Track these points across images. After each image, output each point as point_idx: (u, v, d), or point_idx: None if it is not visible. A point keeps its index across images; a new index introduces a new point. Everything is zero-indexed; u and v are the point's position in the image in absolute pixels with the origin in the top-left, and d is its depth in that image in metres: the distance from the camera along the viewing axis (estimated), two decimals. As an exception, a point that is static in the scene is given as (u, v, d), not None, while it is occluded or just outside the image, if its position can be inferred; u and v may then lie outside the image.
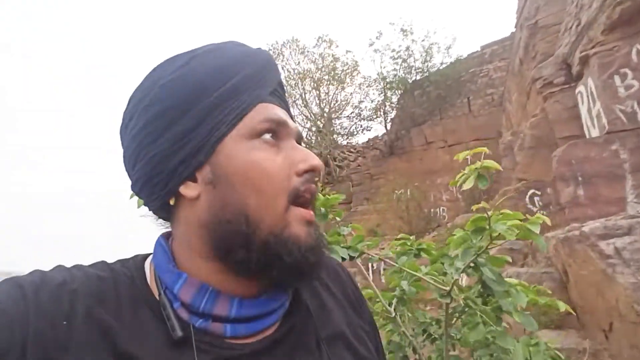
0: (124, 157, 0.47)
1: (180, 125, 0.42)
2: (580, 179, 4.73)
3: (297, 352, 0.46)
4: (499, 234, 0.88)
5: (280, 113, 0.47)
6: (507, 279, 1.18)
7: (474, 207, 0.87)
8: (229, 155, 0.43)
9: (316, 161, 0.45)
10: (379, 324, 1.46)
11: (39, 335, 0.35)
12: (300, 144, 0.49)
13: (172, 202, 0.45)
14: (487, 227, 0.91)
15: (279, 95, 0.49)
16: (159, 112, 0.43)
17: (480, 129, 11.13)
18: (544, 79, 5.85)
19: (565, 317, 3.31)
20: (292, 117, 0.50)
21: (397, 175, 11.84)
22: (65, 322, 0.37)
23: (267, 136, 0.44)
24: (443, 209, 10.73)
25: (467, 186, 0.88)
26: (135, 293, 0.43)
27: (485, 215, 0.90)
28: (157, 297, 0.43)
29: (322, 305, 0.53)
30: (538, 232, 0.86)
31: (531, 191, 5.73)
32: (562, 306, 1.08)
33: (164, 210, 0.47)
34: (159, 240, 0.48)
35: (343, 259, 0.99)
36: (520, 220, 0.95)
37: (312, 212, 0.46)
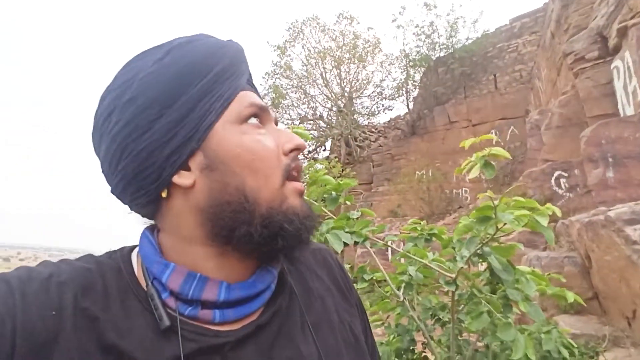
0: (103, 160, 0.46)
1: (169, 116, 0.43)
2: (610, 160, 4.51)
3: (282, 337, 0.46)
4: (505, 224, 0.85)
5: (259, 99, 0.49)
6: (518, 267, 1.15)
7: (479, 195, 0.85)
8: (221, 140, 0.44)
9: (300, 140, 0.49)
10: (389, 307, 1.48)
11: (28, 328, 0.36)
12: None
13: (164, 194, 0.45)
14: (493, 216, 0.88)
15: (252, 84, 0.52)
16: (143, 105, 0.43)
17: (506, 107, 10.71)
18: (576, 53, 5.52)
19: (587, 301, 3.23)
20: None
21: (418, 155, 11.64)
22: (54, 313, 0.38)
23: (254, 120, 0.47)
24: (465, 190, 10.52)
25: (472, 175, 0.85)
26: (123, 284, 0.44)
27: (492, 204, 0.87)
28: (145, 288, 0.44)
29: (308, 290, 0.54)
30: (546, 224, 0.83)
31: (557, 172, 5.51)
32: (571, 297, 1.05)
33: (150, 205, 0.47)
34: (144, 233, 0.48)
35: (346, 244, 0.99)
36: (533, 208, 0.93)
37: (302, 184, 0.49)
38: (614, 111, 4.99)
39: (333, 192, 1.14)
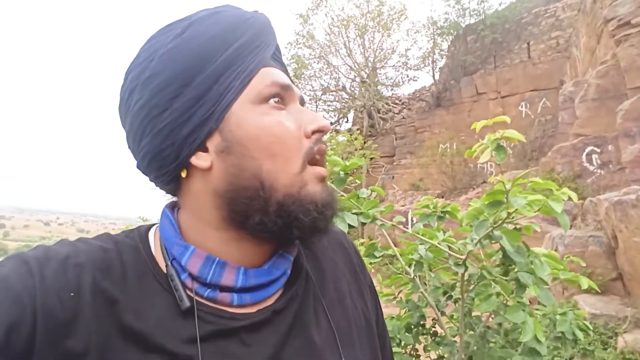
0: (127, 135, 0.46)
1: (187, 94, 0.42)
2: (649, 135, 4.25)
3: (296, 324, 0.47)
4: (517, 209, 0.82)
5: (283, 76, 0.46)
6: (533, 249, 1.13)
7: (490, 179, 0.82)
8: (239, 122, 0.43)
9: (324, 122, 0.46)
10: (401, 283, 1.49)
11: (48, 308, 0.36)
12: (303, 106, 0.49)
13: (183, 175, 0.44)
14: (505, 200, 0.85)
15: (278, 59, 0.49)
16: (162, 82, 0.42)
17: (539, 78, 10.13)
18: (619, 18, 5.10)
19: (610, 282, 3.15)
20: (292, 81, 0.49)
21: (443, 128, 11.32)
22: (72, 294, 0.38)
23: (274, 100, 0.45)
24: (491, 164, 10.20)
25: (483, 159, 0.82)
26: (141, 264, 0.44)
27: (504, 187, 0.84)
28: (163, 268, 0.44)
29: (322, 274, 0.54)
30: (561, 210, 0.79)
31: (589, 148, 5.25)
32: (585, 283, 1.02)
33: (172, 184, 0.46)
34: (164, 212, 0.48)
35: (351, 226, 0.99)
36: (550, 191, 0.89)
37: (325, 169, 0.47)
38: (658, 82, 4.64)
39: (341, 172, 1.13)
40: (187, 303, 0.41)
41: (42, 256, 0.39)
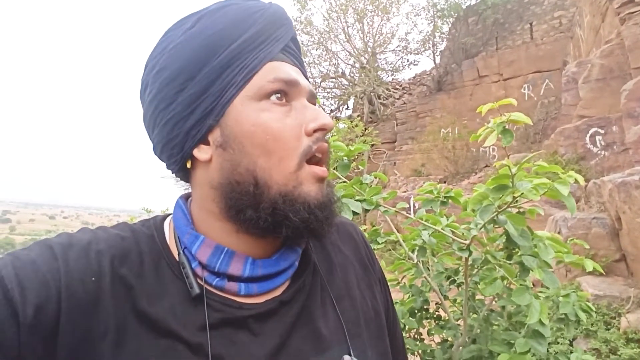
0: (144, 121, 0.48)
1: (191, 88, 0.43)
2: (654, 115, 4.20)
3: (303, 314, 0.47)
4: (522, 193, 0.81)
5: (291, 71, 0.46)
6: (537, 232, 1.12)
7: (496, 164, 0.80)
8: (238, 117, 0.43)
9: (326, 120, 0.45)
10: (405, 268, 1.49)
11: (71, 290, 0.38)
12: (313, 103, 0.48)
13: (188, 165, 0.46)
14: (510, 184, 0.84)
15: (291, 52, 0.48)
16: (169, 76, 0.43)
17: (542, 59, 9.98)
18: (624, -4, 4.98)
19: (613, 263, 3.16)
20: (304, 75, 0.49)
21: (444, 112, 11.24)
22: (93, 279, 0.39)
23: (276, 97, 0.44)
24: (493, 148, 10.16)
25: (488, 143, 0.80)
26: (156, 252, 0.45)
27: (509, 172, 0.83)
28: (176, 256, 0.45)
29: (331, 265, 0.54)
30: (567, 193, 0.78)
31: (593, 129, 5.20)
32: (590, 266, 1.02)
33: (181, 173, 0.49)
34: (178, 202, 0.49)
35: (355, 213, 0.99)
36: (555, 174, 0.88)
37: (325, 169, 0.46)
38: (663, 61, 4.56)
39: (345, 158, 1.12)
40: (196, 290, 0.42)
41: (66, 242, 0.41)
